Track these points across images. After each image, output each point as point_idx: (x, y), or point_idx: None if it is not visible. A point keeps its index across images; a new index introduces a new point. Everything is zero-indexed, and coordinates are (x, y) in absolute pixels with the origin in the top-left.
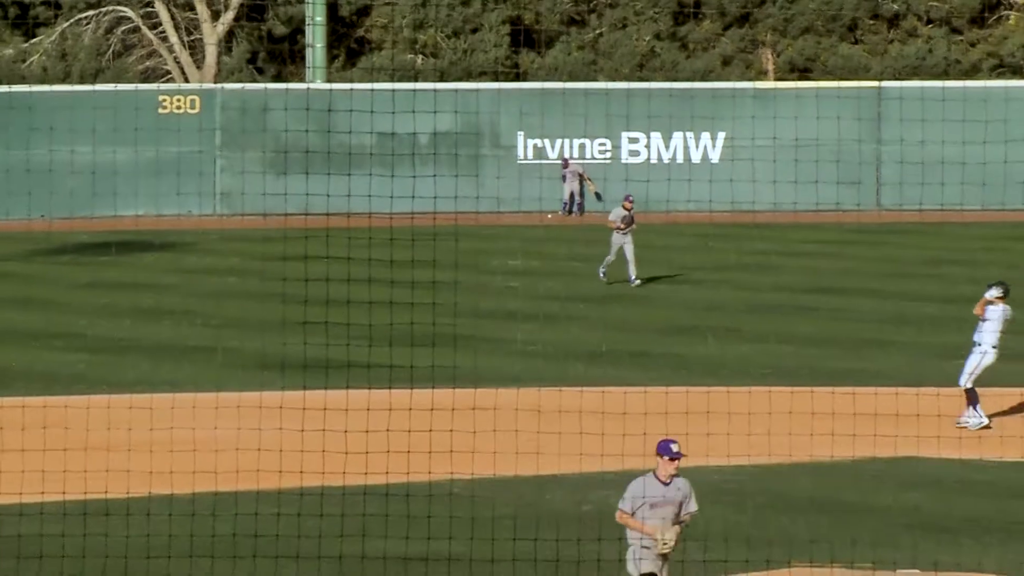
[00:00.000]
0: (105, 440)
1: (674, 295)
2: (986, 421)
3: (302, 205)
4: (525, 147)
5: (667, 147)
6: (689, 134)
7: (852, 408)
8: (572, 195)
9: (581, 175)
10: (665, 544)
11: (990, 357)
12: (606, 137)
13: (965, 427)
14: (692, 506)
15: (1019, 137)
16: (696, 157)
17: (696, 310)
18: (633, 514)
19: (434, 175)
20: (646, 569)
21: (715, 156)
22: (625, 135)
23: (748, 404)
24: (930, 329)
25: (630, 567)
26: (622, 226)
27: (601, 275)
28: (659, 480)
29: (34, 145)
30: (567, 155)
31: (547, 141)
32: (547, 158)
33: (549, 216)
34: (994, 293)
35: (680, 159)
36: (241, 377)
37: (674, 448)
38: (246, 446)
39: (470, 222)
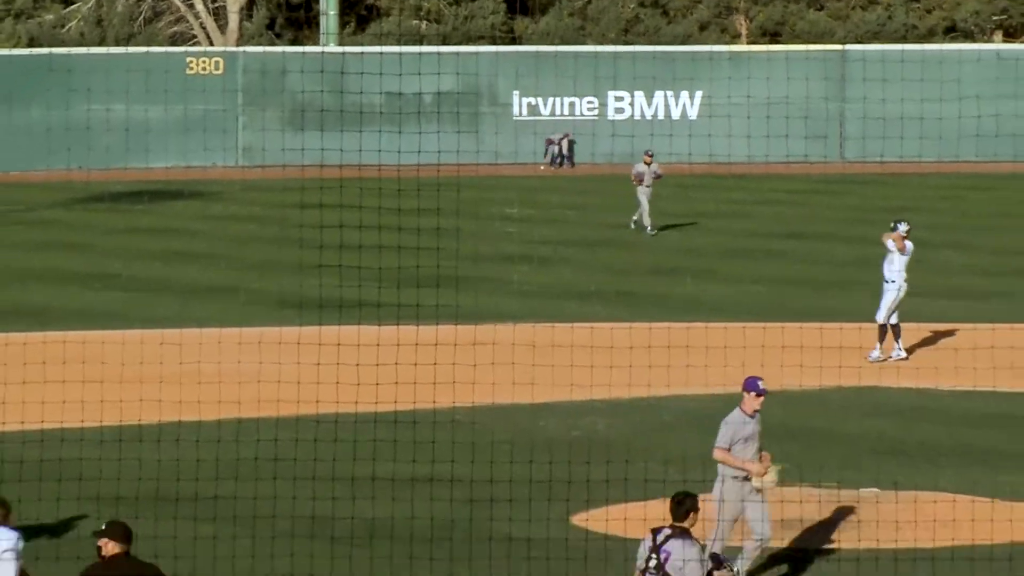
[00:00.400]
0: (138, 372)
1: (657, 240)
2: (904, 354)
3: (317, 158)
4: (520, 105)
5: (650, 105)
6: (670, 93)
7: (819, 342)
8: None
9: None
10: (764, 480)
11: (903, 292)
12: (594, 96)
13: (883, 360)
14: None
15: (971, 95)
16: (676, 114)
17: (677, 253)
18: (730, 450)
19: (437, 131)
20: (728, 514)
21: (694, 113)
22: (611, 94)
23: (724, 339)
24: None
25: (715, 491)
26: (642, 180)
27: (632, 226)
28: (746, 415)
29: (73, 104)
30: (559, 112)
31: (540, 100)
32: (540, 115)
33: (542, 167)
34: (905, 228)
35: (662, 116)
36: (262, 315)
37: (761, 385)
38: (267, 378)
39: (470, 173)
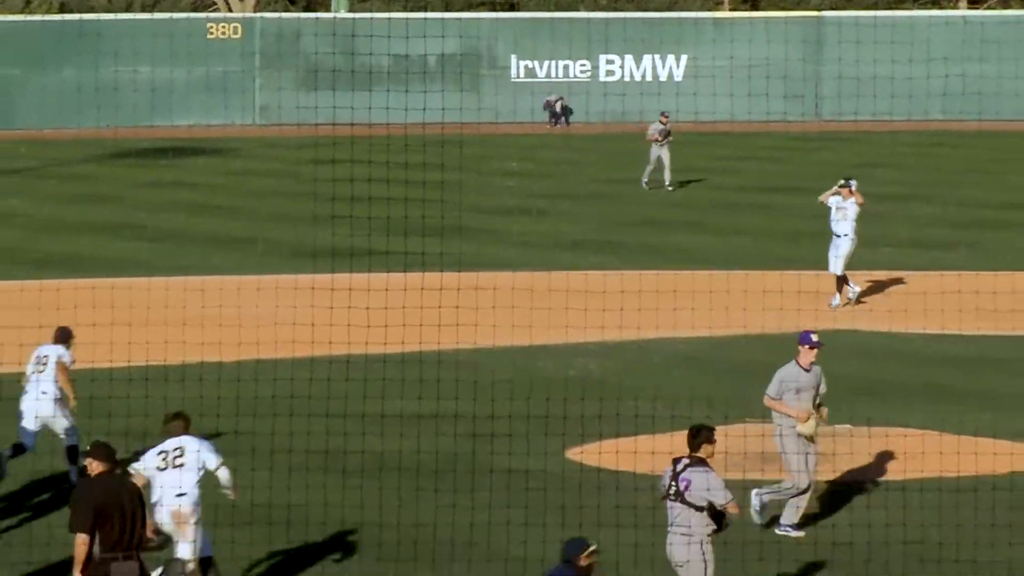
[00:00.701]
0: (163, 316)
1: (647, 194)
2: (858, 288)
3: (330, 117)
4: (518, 68)
5: (638, 67)
6: (657, 56)
7: (797, 287)
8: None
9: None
10: (801, 427)
11: (855, 243)
12: (587, 59)
13: (847, 303)
14: (823, 388)
15: (938, 57)
16: (663, 76)
17: (665, 206)
18: (780, 399)
19: (442, 91)
20: (789, 447)
21: (680, 75)
22: (603, 57)
23: (709, 284)
24: (862, 222)
25: (776, 442)
26: (659, 138)
27: (644, 185)
28: (801, 367)
29: (102, 66)
30: (554, 75)
31: (536, 63)
32: (537, 77)
33: (548, 127)
34: (856, 184)
35: (650, 77)
36: (279, 263)
37: (814, 338)
38: (283, 321)
39: (472, 131)
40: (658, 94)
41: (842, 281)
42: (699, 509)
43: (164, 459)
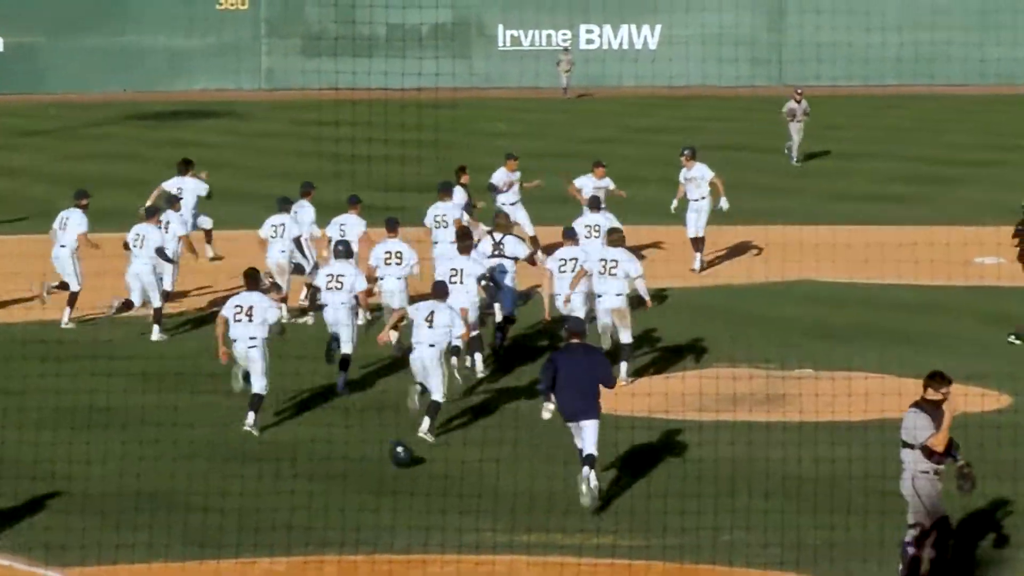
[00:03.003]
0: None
1: (622, 151)
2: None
3: (332, 81)
4: (504, 36)
5: (615, 35)
6: (634, 25)
7: (765, 240)
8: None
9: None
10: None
11: (711, 206)
12: (568, 28)
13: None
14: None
15: (893, 26)
16: (639, 44)
17: (641, 164)
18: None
19: (436, 57)
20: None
21: (654, 43)
22: (583, 26)
23: (681, 237)
24: (825, 179)
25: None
26: (793, 116)
27: (793, 162)
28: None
29: (128, 32)
30: (538, 43)
31: (522, 32)
32: (522, 45)
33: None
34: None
35: (627, 45)
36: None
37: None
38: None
39: (463, 95)
40: (635, 60)
41: (701, 243)
42: (909, 446)
43: None
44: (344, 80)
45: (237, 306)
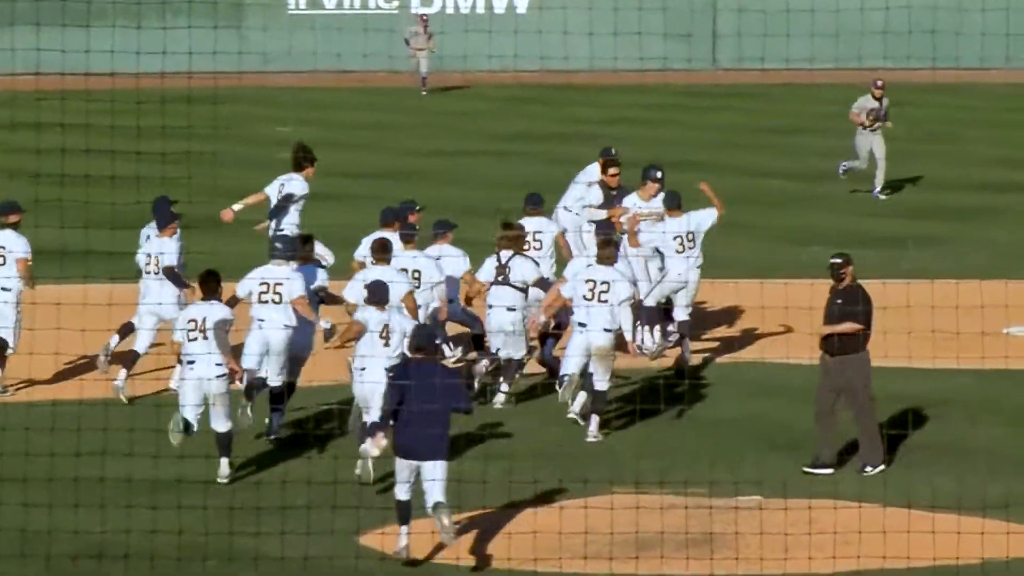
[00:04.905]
0: None
1: (478, 171)
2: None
3: (32, 63)
4: None
5: None
6: None
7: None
8: None
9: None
10: None
11: None
12: None
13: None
14: None
15: None
16: (499, 6)
17: (512, 188)
18: None
19: (189, 27)
20: None
21: (521, 5)
22: None
23: None
24: (778, 210)
25: None
26: (867, 122)
27: (876, 191)
28: None
29: None
30: (348, 5)
31: None
32: (324, 8)
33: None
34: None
35: (480, 8)
36: None
37: None
38: None
39: (232, 82)
40: (489, 31)
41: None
42: None
43: None
44: (51, 61)
45: None
